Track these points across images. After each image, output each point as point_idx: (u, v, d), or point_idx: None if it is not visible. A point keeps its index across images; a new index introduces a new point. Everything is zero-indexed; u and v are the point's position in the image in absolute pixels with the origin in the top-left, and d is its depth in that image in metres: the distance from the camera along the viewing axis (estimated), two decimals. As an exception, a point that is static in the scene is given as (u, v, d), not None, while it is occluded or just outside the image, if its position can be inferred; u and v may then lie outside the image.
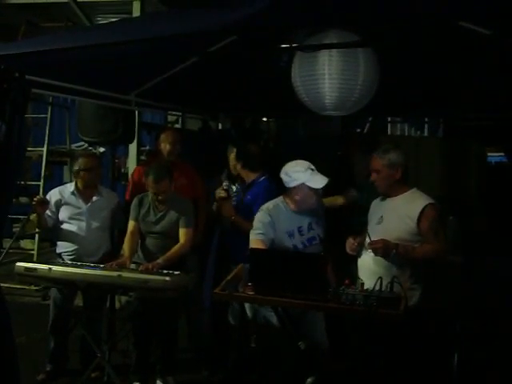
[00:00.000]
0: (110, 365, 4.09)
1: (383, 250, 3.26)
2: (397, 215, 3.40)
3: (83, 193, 4.40)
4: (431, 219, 3.33)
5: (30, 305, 6.46)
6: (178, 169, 4.54)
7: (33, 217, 4.26)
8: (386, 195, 3.54)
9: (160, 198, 4.05)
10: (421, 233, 3.34)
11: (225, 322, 4.33)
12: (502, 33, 2.91)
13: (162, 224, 4.11)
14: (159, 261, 3.91)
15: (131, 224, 4.19)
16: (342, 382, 3.74)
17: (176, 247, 4.03)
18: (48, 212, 4.27)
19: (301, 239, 3.62)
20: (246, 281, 3.18)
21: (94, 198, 4.41)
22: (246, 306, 3.87)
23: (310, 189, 3.50)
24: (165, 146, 4.58)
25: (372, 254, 3.37)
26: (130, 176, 5.28)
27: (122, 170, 8.46)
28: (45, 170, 7.44)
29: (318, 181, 3.51)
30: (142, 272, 3.73)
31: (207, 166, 5.20)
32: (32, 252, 7.30)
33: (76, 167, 4.37)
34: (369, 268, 3.40)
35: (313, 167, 3.54)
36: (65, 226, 4.36)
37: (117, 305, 4.71)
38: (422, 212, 3.33)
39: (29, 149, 7.35)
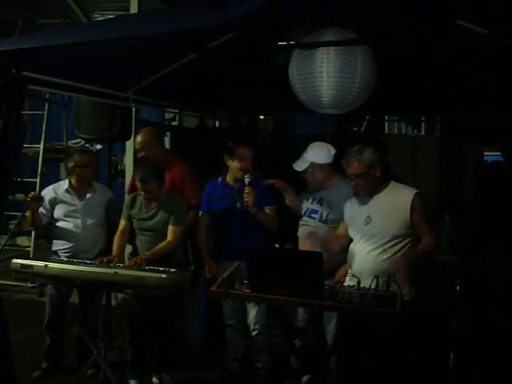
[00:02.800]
0: (106, 362, 4.09)
1: (408, 269, 3.18)
2: (386, 212, 3.38)
3: (77, 190, 4.38)
4: (421, 209, 3.35)
5: (26, 302, 6.46)
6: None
7: (28, 213, 4.24)
8: (367, 195, 3.51)
9: (146, 197, 4.06)
10: (413, 224, 3.34)
11: (220, 320, 4.33)
12: (500, 32, 2.91)
13: (154, 221, 4.11)
14: (145, 255, 3.92)
15: (121, 223, 4.20)
16: (338, 380, 3.75)
17: (163, 243, 4.03)
18: (42, 210, 4.25)
19: (307, 205, 3.98)
20: (243, 278, 3.19)
21: (88, 195, 4.40)
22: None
23: None
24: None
25: (364, 247, 3.40)
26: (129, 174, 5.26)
27: (119, 168, 8.47)
28: (41, 167, 7.42)
29: (298, 163, 3.92)
30: (137, 269, 3.72)
31: (204, 164, 5.20)
32: (28, 249, 7.29)
33: (71, 163, 4.34)
34: (361, 262, 3.41)
35: (303, 152, 3.91)
36: (60, 224, 4.35)
37: (113, 302, 4.71)
38: (412, 203, 3.34)
39: (25, 145, 7.31)
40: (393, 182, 3.52)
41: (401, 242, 3.36)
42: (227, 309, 4.21)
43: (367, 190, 3.47)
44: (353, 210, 3.56)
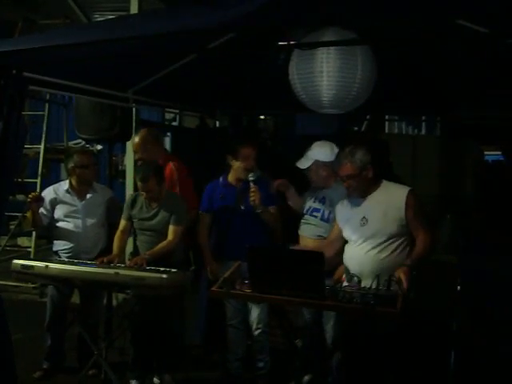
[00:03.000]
0: (107, 362, 4.09)
1: (409, 278, 3.16)
2: (381, 212, 3.38)
3: (78, 190, 4.39)
4: (416, 206, 3.36)
5: (26, 302, 6.46)
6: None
7: (29, 214, 4.25)
8: (360, 196, 3.50)
9: (147, 196, 4.06)
10: (407, 221, 3.35)
11: (221, 320, 4.33)
12: (500, 32, 2.92)
13: (155, 221, 4.11)
14: (146, 255, 3.92)
15: (122, 223, 4.20)
16: (338, 380, 3.75)
17: (163, 243, 4.03)
18: (43, 210, 4.26)
19: (309, 204, 3.99)
20: (244, 278, 3.19)
21: (89, 195, 4.40)
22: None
23: None
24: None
25: (362, 248, 3.39)
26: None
27: (120, 168, 8.47)
28: (42, 168, 7.42)
29: (302, 161, 3.93)
30: (138, 269, 3.73)
31: (204, 164, 5.19)
32: (29, 249, 7.29)
33: (71, 164, 4.35)
34: (360, 262, 3.40)
35: (307, 151, 3.94)
36: (61, 224, 4.35)
37: (114, 302, 4.71)
38: (406, 201, 3.35)
39: (26, 146, 7.30)
40: (384, 182, 3.51)
41: (398, 240, 3.37)
42: (230, 309, 4.20)
43: (360, 191, 3.47)
44: (346, 212, 3.56)
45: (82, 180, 4.36)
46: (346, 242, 3.54)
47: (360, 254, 3.41)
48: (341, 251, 3.54)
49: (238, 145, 4.14)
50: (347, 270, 3.46)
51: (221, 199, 4.18)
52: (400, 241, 3.38)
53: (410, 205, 3.35)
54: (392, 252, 3.36)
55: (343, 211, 3.58)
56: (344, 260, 3.52)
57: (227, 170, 4.22)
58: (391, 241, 3.36)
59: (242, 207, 4.06)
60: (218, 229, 4.26)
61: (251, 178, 3.97)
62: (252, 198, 3.94)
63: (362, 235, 3.41)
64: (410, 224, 3.36)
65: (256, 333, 4.14)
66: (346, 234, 3.52)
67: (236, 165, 4.11)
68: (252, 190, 3.94)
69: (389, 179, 3.58)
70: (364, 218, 3.42)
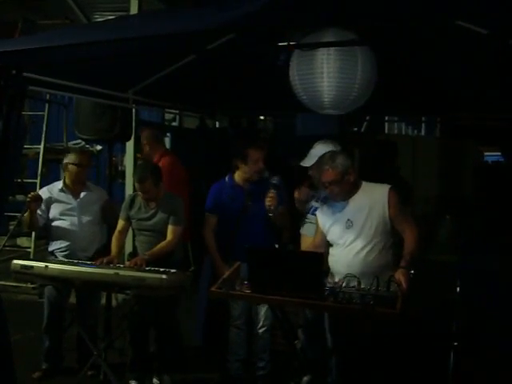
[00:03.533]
0: (106, 363, 4.08)
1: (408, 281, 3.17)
2: (365, 213, 3.41)
3: (72, 189, 4.40)
4: (397, 203, 3.40)
5: (26, 303, 6.44)
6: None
7: (26, 215, 4.25)
8: (342, 200, 3.51)
9: (144, 197, 4.06)
10: (391, 218, 3.39)
11: (221, 321, 4.33)
12: (499, 32, 2.92)
13: (153, 221, 4.11)
14: (145, 256, 3.92)
15: (120, 223, 4.21)
16: (338, 381, 3.75)
17: (162, 244, 4.05)
18: (38, 211, 4.26)
19: (311, 203, 3.99)
20: (244, 279, 3.19)
21: (83, 193, 4.42)
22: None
23: None
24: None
25: (349, 250, 3.41)
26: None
27: (119, 168, 8.47)
28: (41, 168, 7.41)
29: (305, 160, 3.93)
30: (138, 270, 3.73)
31: (204, 164, 5.19)
32: (28, 250, 7.28)
33: (66, 161, 4.37)
34: (349, 264, 3.40)
35: (310, 150, 3.96)
36: (56, 223, 4.35)
37: (113, 303, 4.71)
38: (388, 199, 3.38)
39: (25, 146, 7.32)
40: (364, 183, 3.53)
41: (384, 238, 3.42)
42: (236, 309, 4.18)
43: (343, 196, 3.48)
44: (328, 217, 3.57)
45: (76, 179, 4.37)
46: (330, 245, 3.56)
47: (348, 257, 3.43)
48: (326, 255, 3.55)
49: (246, 148, 4.10)
50: (332, 273, 3.46)
51: (228, 200, 4.17)
52: (386, 239, 3.43)
53: (393, 202, 3.39)
54: (380, 251, 3.41)
55: (326, 216, 3.59)
56: (330, 263, 3.53)
57: (232, 170, 4.20)
58: (378, 240, 3.40)
59: (251, 208, 4.06)
60: (225, 230, 4.23)
61: (274, 182, 3.96)
62: (269, 203, 3.93)
63: (348, 237, 3.44)
64: (395, 220, 3.40)
65: (261, 331, 4.15)
66: (332, 237, 3.54)
67: (245, 168, 4.09)
68: (271, 195, 3.93)
69: (395, 183, 3.59)
70: (349, 220, 3.45)
